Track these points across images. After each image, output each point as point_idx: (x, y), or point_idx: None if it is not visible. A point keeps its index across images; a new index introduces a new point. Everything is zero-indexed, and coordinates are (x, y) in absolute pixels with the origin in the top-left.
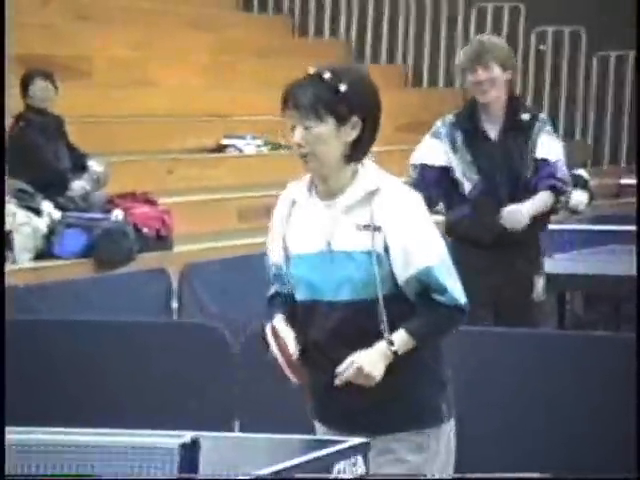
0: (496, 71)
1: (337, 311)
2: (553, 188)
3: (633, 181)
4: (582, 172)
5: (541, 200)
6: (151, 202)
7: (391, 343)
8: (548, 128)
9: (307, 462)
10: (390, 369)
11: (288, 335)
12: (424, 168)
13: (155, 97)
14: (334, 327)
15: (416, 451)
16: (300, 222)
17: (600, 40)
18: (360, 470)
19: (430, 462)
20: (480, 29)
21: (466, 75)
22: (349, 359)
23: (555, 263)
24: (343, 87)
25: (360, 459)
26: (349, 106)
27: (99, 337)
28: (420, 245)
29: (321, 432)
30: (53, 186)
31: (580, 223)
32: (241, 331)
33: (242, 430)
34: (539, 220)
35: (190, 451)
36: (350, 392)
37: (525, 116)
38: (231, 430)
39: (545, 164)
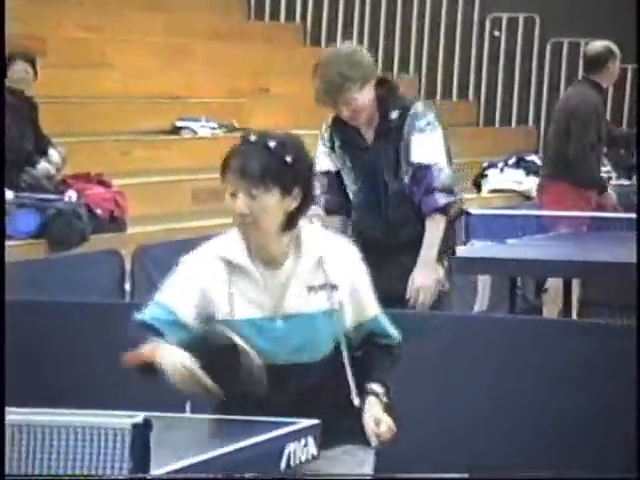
0: (360, 98)
1: (296, 373)
2: (437, 210)
3: None
4: (534, 158)
5: (433, 235)
6: (105, 183)
7: (376, 394)
8: (421, 123)
9: (258, 443)
10: (337, 386)
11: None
12: (319, 174)
13: (109, 78)
14: (297, 390)
15: (360, 466)
16: (243, 286)
17: (553, 27)
18: (312, 451)
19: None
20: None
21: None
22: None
23: (507, 248)
24: (289, 158)
25: (311, 440)
26: (294, 177)
27: (51, 318)
28: (369, 297)
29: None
30: (11, 166)
31: (532, 208)
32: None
33: (193, 411)
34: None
35: (142, 431)
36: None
37: (394, 114)
38: (183, 411)
39: (421, 170)
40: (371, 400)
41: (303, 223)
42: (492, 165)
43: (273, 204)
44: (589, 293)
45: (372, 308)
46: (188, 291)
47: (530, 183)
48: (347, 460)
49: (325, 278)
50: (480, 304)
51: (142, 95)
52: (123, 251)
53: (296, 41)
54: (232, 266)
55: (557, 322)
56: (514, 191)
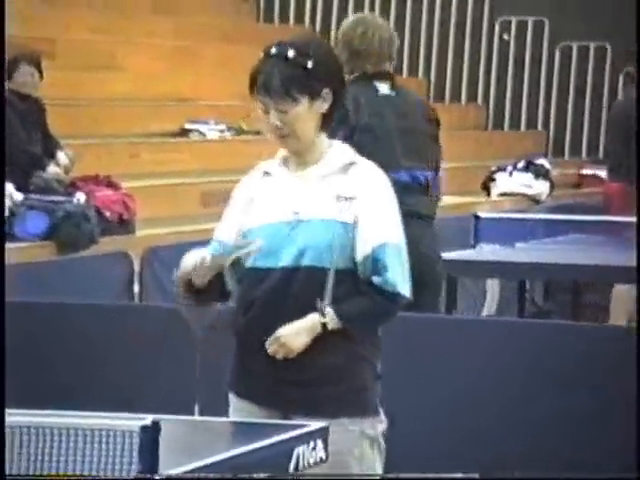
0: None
1: (295, 279)
2: None
3: (593, 172)
4: (543, 162)
5: None
6: (114, 185)
7: (323, 314)
8: None
9: (267, 446)
10: (327, 352)
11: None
12: None
13: (118, 81)
14: (284, 293)
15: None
16: (268, 192)
17: (563, 31)
18: (320, 454)
19: (367, 453)
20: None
21: None
22: (273, 336)
23: (515, 252)
24: (310, 63)
25: (320, 443)
26: (319, 81)
27: (60, 320)
28: (386, 221)
29: (238, 407)
30: (21, 169)
31: (541, 212)
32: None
33: (202, 414)
34: None
35: (151, 434)
36: (285, 368)
37: None
38: (191, 414)
39: None
40: (308, 316)
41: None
42: (501, 169)
43: (304, 112)
44: (596, 296)
45: (385, 234)
46: (230, 217)
47: (539, 186)
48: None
49: (345, 188)
50: (489, 308)
51: (151, 97)
52: (132, 253)
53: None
54: (264, 175)
55: (566, 325)
56: (523, 195)
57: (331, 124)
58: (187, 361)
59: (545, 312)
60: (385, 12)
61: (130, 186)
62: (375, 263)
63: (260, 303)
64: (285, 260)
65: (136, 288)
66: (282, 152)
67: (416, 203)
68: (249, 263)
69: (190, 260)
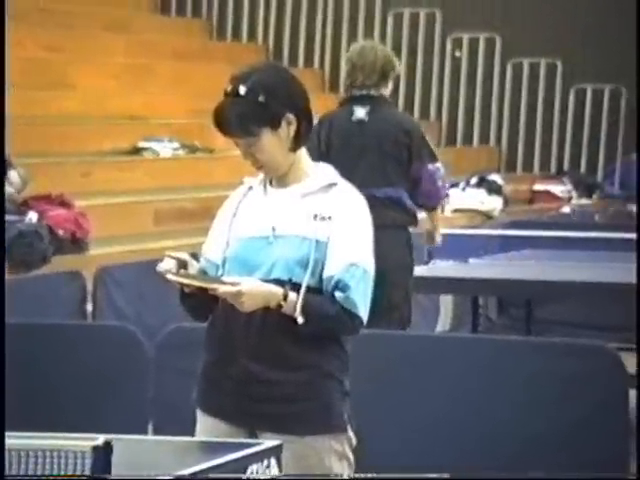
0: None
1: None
2: None
3: (545, 187)
4: (496, 177)
5: None
6: (67, 204)
7: (285, 298)
8: None
9: (221, 465)
10: (294, 369)
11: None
12: None
13: (71, 99)
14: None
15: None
16: (250, 207)
17: (514, 47)
18: (274, 471)
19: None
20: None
21: None
22: (239, 277)
23: (469, 268)
24: (262, 97)
25: (274, 461)
26: (276, 110)
27: (13, 339)
28: (356, 243)
29: (205, 424)
30: None
31: (494, 228)
32: (155, 335)
33: (156, 433)
34: None
35: (103, 454)
36: (252, 385)
37: None
38: (145, 432)
39: None
40: (273, 288)
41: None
42: (454, 185)
43: (269, 143)
44: (549, 311)
45: (354, 255)
46: (216, 232)
47: (492, 202)
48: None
49: (324, 207)
50: (443, 324)
51: (104, 115)
52: (85, 272)
53: (259, 61)
54: (249, 190)
55: (520, 341)
56: (476, 211)
57: (306, 141)
58: (141, 380)
59: (499, 327)
60: (338, 27)
61: (83, 205)
62: (339, 282)
63: (230, 315)
64: (258, 273)
65: (89, 307)
66: None
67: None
68: (224, 275)
69: (164, 265)
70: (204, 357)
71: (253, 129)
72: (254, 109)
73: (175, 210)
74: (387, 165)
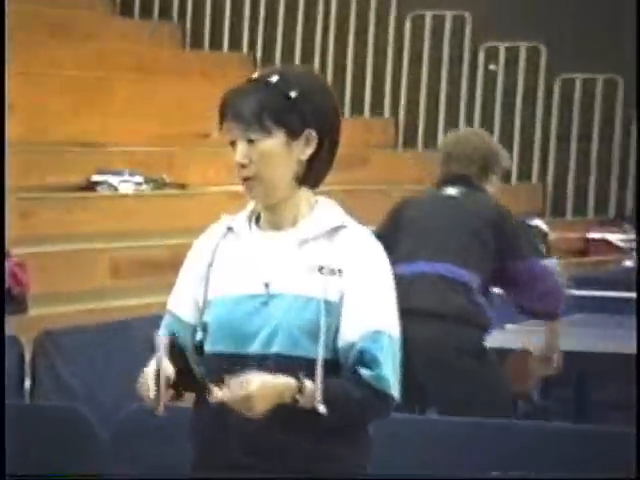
0: None
1: (264, 368)
2: None
3: (602, 235)
4: (539, 222)
5: None
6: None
7: (300, 390)
8: None
9: None
10: (311, 465)
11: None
12: None
13: (10, 122)
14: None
15: None
16: (232, 255)
17: (563, 62)
18: None
19: None
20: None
21: None
22: (245, 378)
23: (506, 336)
24: (294, 93)
25: None
26: (302, 116)
27: None
28: (379, 303)
29: None
30: None
31: None
32: (111, 416)
33: None
34: None
35: None
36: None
37: None
38: None
39: None
40: (285, 380)
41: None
42: None
43: (278, 150)
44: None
45: (378, 320)
46: (187, 284)
47: None
48: None
49: (330, 257)
50: None
51: (49, 142)
52: (23, 338)
53: (244, 74)
54: (227, 233)
55: (565, 429)
56: None
57: (318, 177)
58: (92, 472)
59: (540, 411)
60: (343, 32)
61: (22, 253)
62: (363, 354)
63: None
64: (253, 345)
65: (27, 382)
66: (252, 204)
67: (435, 300)
68: (207, 346)
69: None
70: (190, 449)
71: (269, 124)
72: (279, 102)
73: (137, 260)
74: (473, 246)
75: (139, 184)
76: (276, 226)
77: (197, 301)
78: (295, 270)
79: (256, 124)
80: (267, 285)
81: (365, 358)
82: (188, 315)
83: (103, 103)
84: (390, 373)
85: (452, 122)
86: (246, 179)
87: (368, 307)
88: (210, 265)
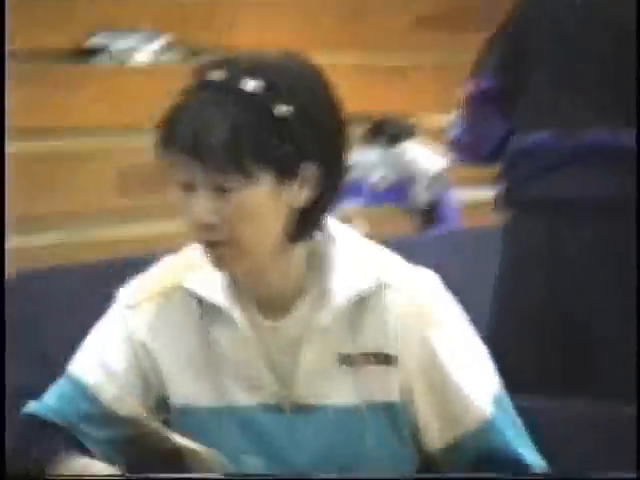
0: None
1: None
2: None
3: None
4: None
5: None
6: None
7: None
8: None
9: None
10: None
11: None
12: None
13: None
14: None
15: None
16: (220, 346)
17: None
18: None
19: None
20: None
21: None
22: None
23: None
24: (285, 108)
25: None
26: (298, 144)
27: None
28: (473, 385)
29: None
30: None
31: None
32: None
33: None
34: None
35: None
36: None
37: None
38: None
39: None
40: None
41: (332, 228)
42: None
43: (262, 201)
44: None
45: (481, 408)
46: (101, 351)
47: None
48: None
49: (375, 338)
50: None
51: None
52: None
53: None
54: (205, 309)
55: None
56: None
57: (315, 226)
58: None
59: None
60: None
61: None
62: (478, 450)
63: None
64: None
65: None
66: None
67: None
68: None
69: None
70: None
71: (250, 165)
72: (267, 126)
73: (150, 171)
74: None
75: (159, 51)
76: (264, 306)
77: (139, 393)
78: (325, 368)
79: (231, 165)
80: (287, 395)
81: (482, 452)
82: (94, 381)
83: None
84: (520, 442)
85: None
86: (212, 245)
87: (459, 396)
88: (165, 352)
